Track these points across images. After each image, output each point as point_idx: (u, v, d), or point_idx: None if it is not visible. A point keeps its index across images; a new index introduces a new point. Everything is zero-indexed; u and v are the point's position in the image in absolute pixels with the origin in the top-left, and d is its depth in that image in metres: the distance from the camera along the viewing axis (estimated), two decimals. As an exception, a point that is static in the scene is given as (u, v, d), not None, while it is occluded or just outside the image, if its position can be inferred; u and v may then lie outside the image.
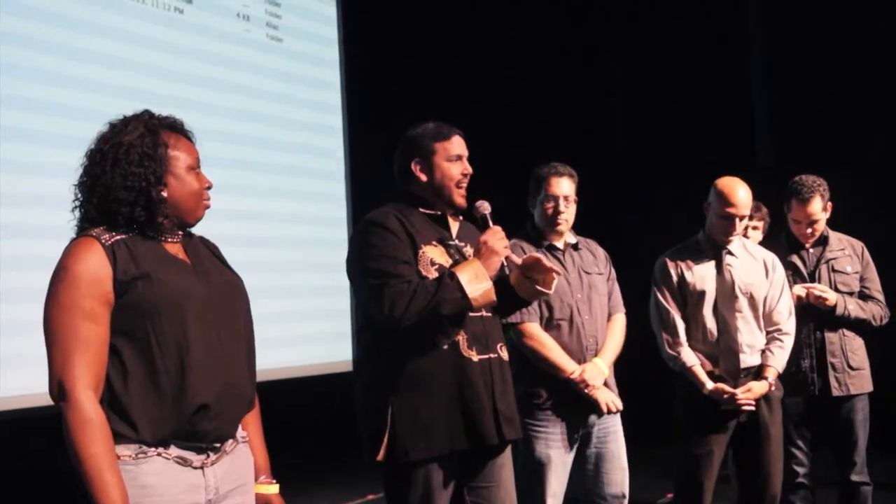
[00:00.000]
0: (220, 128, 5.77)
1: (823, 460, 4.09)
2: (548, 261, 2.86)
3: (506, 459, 2.88)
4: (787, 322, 3.74)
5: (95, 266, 2.01)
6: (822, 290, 3.91)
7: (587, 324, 3.48)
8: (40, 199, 4.75)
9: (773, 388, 3.68)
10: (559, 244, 3.56)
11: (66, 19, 5.15)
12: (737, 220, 3.67)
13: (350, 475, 5.61)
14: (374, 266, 2.69)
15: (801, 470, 3.98)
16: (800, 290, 3.93)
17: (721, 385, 3.61)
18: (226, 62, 6.04)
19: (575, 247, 3.60)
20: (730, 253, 3.74)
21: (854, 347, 3.98)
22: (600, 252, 3.69)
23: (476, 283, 2.65)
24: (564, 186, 3.51)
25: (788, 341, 3.73)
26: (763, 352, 3.70)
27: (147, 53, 5.53)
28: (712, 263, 3.73)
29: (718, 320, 3.68)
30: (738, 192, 3.67)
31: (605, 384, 3.44)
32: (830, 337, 3.96)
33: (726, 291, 3.69)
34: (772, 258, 3.83)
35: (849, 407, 3.95)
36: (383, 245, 2.70)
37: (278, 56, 6.47)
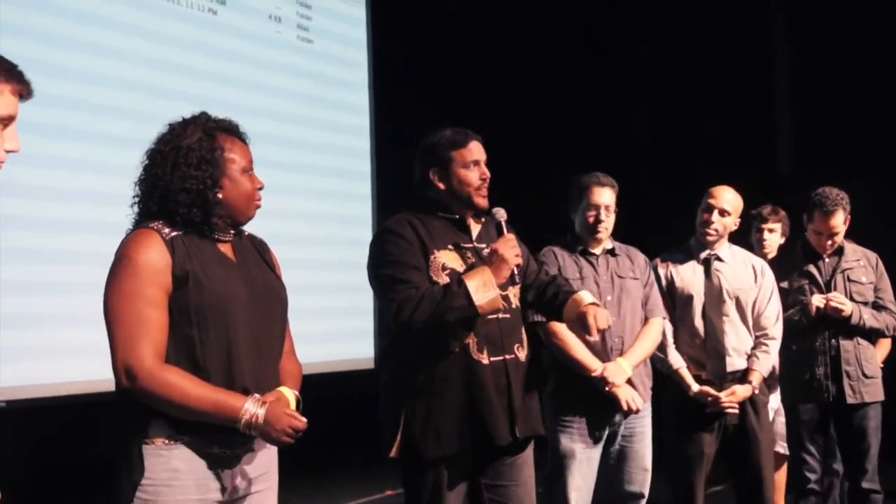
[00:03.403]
0: (249, 127, 5.78)
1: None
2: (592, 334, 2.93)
3: (526, 458, 2.94)
4: (775, 327, 3.83)
5: (157, 256, 2.11)
6: (839, 300, 3.97)
7: (613, 325, 3.51)
8: (70, 193, 4.92)
9: (757, 393, 3.75)
10: (596, 250, 3.65)
11: (99, 18, 5.27)
12: (715, 211, 3.78)
13: (369, 471, 5.69)
14: (385, 272, 2.79)
15: (812, 476, 4.04)
16: (818, 300, 3.99)
17: (706, 388, 3.70)
18: (257, 63, 6.15)
19: (612, 252, 3.68)
20: (718, 258, 3.83)
21: (868, 356, 4.04)
22: (640, 258, 3.75)
23: (483, 290, 2.70)
24: (606, 196, 3.61)
25: (774, 346, 3.82)
26: (749, 356, 3.78)
27: (180, 53, 5.65)
28: (701, 268, 3.82)
29: (706, 323, 3.76)
30: (723, 189, 3.82)
31: (630, 383, 3.51)
32: (846, 345, 4.01)
33: (714, 295, 3.78)
34: (761, 264, 3.92)
35: (862, 414, 4.00)
36: (395, 251, 2.79)
37: (308, 57, 6.58)
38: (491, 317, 2.80)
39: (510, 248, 2.80)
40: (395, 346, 2.89)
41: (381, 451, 2.86)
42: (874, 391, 4.02)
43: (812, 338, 4.02)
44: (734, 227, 3.87)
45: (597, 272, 3.60)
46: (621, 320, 3.57)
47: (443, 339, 2.77)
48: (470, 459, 2.84)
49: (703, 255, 3.84)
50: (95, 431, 3.34)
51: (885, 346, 4.40)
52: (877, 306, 4.08)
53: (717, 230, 3.80)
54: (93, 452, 3.51)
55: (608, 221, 3.62)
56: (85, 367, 4.70)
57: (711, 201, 3.80)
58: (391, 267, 2.78)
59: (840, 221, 4.04)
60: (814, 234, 4.11)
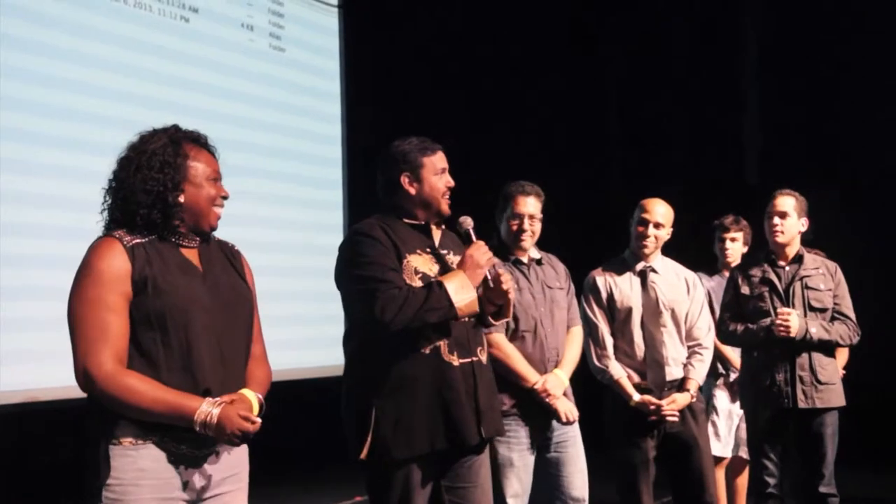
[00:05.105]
0: (221, 134, 5.71)
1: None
2: (509, 280, 2.97)
3: (483, 460, 3.01)
4: (707, 337, 3.97)
5: (118, 264, 2.17)
6: (785, 326, 3.98)
7: (549, 336, 3.64)
8: (47, 199, 4.92)
9: (695, 400, 3.87)
10: (524, 259, 3.73)
11: (70, 25, 5.29)
12: (650, 225, 3.89)
13: (339, 477, 5.70)
14: (364, 273, 2.82)
15: (771, 481, 4.10)
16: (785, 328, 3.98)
17: (647, 397, 3.80)
18: (229, 71, 6.19)
19: (538, 262, 3.77)
20: (653, 270, 3.95)
21: (824, 363, 4.08)
22: (561, 267, 3.86)
23: (462, 293, 2.79)
24: (530, 205, 3.68)
25: (708, 355, 3.95)
26: (685, 365, 3.90)
27: (153, 60, 5.68)
28: (638, 280, 3.93)
29: (645, 334, 3.87)
30: (655, 202, 3.93)
31: (564, 394, 3.60)
32: (801, 351, 4.06)
33: (651, 307, 3.89)
34: (693, 277, 4.05)
35: (819, 421, 4.06)
36: (372, 253, 2.83)
37: (281, 65, 6.62)
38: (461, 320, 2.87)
39: (483, 253, 2.89)
40: (365, 348, 2.91)
41: (350, 455, 2.88)
42: (829, 397, 4.06)
43: (774, 345, 4.08)
44: (667, 238, 3.97)
45: (530, 283, 3.68)
46: (555, 331, 3.66)
47: (416, 342, 2.82)
48: (437, 460, 2.89)
49: (639, 267, 3.95)
50: (74, 435, 3.38)
51: (842, 354, 4.49)
52: (835, 314, 4.14)
53: (653, 242, 3.91)
54: (68, 456, 3.52)
55: (532, 230, 3.69)
56: (64, 373, 4.69)
57: (645, 215, 3.91)
58: (370, 268, 2.81)
59: (790, 206, 4.11)
60: (767, 221, 4.16)
